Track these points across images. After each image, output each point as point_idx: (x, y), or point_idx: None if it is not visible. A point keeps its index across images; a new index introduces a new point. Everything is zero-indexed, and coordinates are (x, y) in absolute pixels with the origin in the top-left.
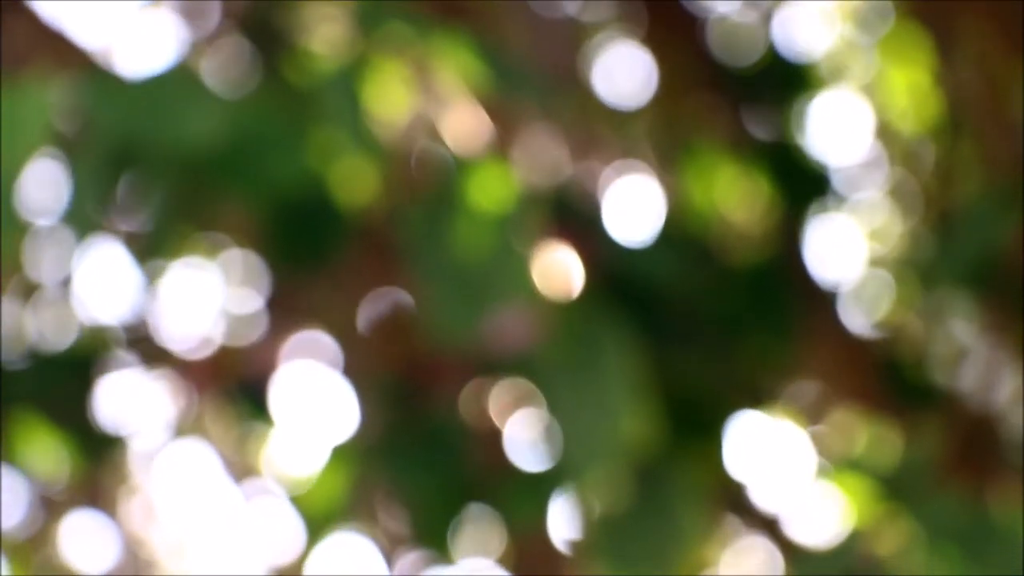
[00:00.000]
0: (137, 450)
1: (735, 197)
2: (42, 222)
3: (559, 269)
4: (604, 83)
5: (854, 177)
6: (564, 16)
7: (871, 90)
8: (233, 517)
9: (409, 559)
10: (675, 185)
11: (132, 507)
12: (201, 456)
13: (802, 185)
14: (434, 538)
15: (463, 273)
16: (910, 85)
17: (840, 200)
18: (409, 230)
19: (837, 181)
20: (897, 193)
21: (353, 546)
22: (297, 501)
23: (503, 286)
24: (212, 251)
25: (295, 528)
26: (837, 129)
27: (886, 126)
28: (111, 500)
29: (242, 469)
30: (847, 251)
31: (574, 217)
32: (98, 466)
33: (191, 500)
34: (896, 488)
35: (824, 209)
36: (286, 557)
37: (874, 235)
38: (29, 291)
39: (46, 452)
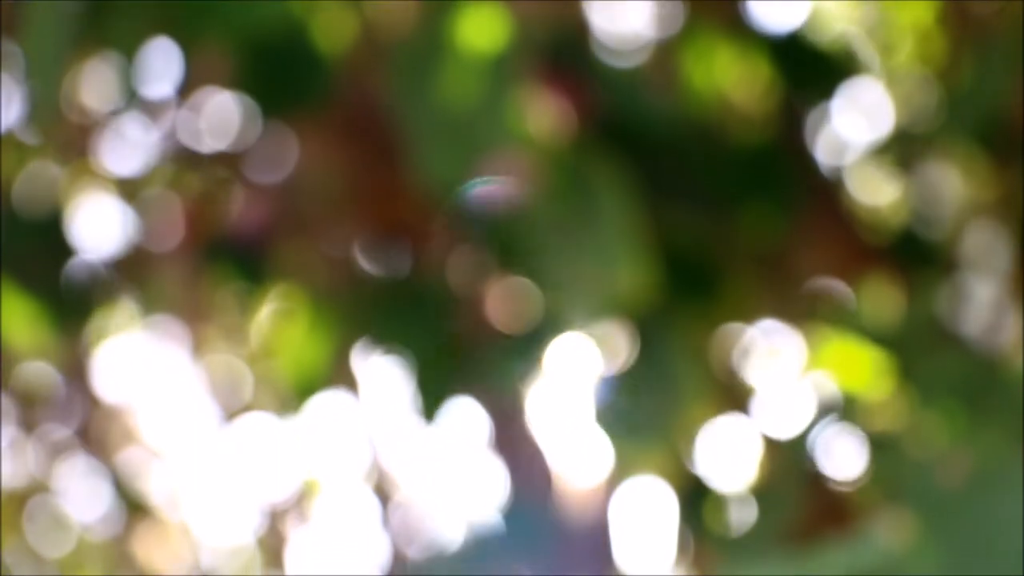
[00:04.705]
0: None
1: (735, 79)
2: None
3: (552, 115)
4: None
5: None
6: None
7: (875, 33)
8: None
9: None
10: (674, 67)
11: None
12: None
13: (803, 68)
14: (423, 401)
15: (451, 119)
16: (914, 25)
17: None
18: (395, 75)
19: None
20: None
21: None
22: (281, 365)
23: (493, 132)
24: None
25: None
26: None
27: (890, 69)
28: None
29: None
30: (849, 133)
31: (568, 61)
32: (72, 335)
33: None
34: (896, 347)
35: (826, 92)
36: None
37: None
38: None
39: (20, 321)
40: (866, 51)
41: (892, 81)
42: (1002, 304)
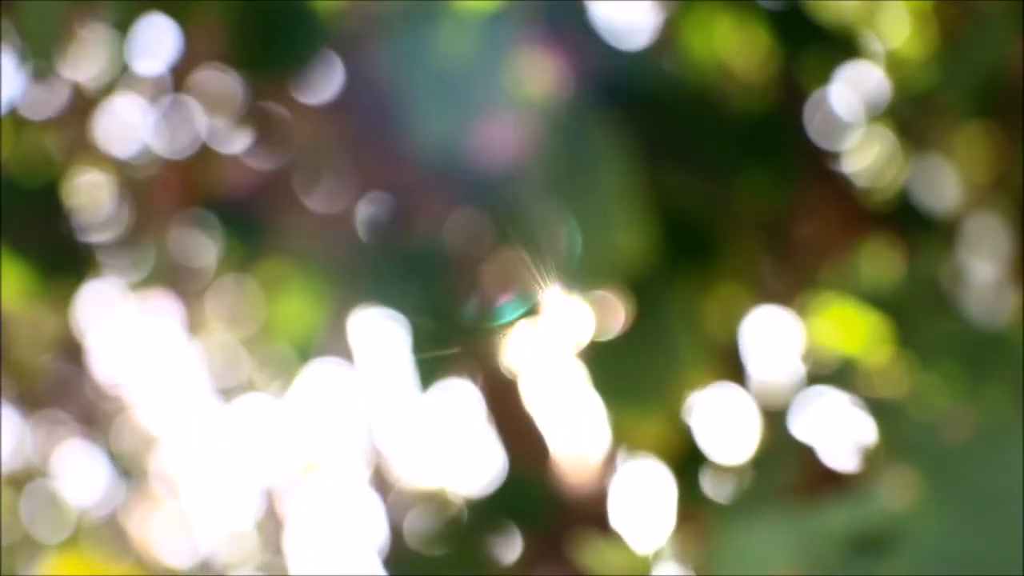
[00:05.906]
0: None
1: (735, 48)
2: None
3: (550, 76)
4: None
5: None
6: None
7: (872, 21)
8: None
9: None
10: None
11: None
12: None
13: (803, 42)
14: (419, 369)
15: (448, 79)
16: (912, 11)
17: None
18: (392, 35)
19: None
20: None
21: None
22: (277, 332)
23: (490, 92)
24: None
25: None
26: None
27: (889, 55)
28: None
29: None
30: (848, 104)
31: (566, 22)
32: (66, 304)
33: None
34: (895, 311)
35: (826, 70)
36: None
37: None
38: None
39: (16, 288)
40: (866, 31)
41: (892, 62)
42: (1002, 282)
